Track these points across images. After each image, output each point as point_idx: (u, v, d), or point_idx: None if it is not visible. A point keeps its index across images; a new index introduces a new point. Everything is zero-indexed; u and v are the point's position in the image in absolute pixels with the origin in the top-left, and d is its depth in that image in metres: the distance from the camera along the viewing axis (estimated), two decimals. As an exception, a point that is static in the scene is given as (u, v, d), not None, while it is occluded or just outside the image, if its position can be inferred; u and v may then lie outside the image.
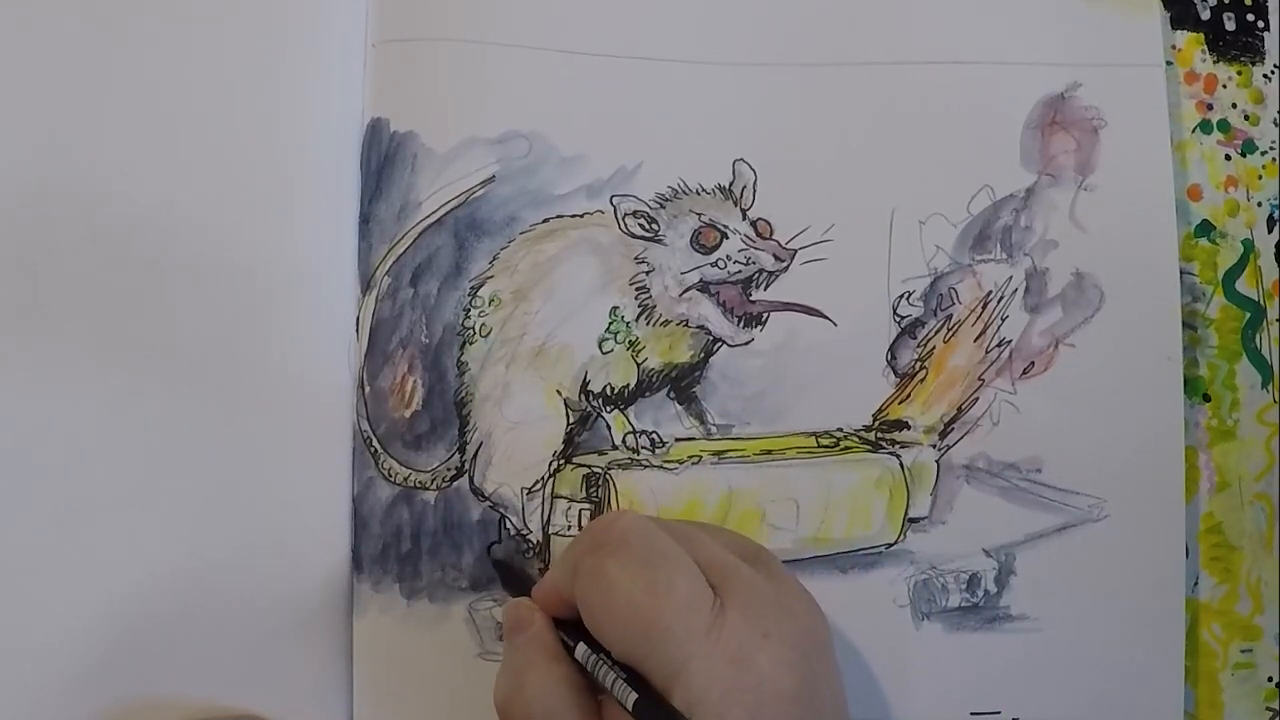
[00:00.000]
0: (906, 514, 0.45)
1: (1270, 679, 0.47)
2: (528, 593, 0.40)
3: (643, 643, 0.35)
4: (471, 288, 0.44)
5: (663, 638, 0.34)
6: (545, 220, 0.45)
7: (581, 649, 0.37)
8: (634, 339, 0.45)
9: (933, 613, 0.45)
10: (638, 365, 0.45)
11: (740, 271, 0.45)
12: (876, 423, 0.45)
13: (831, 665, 0.38)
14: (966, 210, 0.46)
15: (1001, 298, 0.46)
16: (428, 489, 0.44)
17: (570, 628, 0.38)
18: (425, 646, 0.43)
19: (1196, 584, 0.47)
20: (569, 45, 0.45)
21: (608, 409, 0.45)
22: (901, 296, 0.46)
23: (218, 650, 0.43)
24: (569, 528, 0.44)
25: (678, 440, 0.45)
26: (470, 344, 0.44)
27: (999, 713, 0.45)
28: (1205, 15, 0.49)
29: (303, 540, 0.43)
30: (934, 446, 0.46)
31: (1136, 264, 0.46)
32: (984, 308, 0.46)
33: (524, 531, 0.44)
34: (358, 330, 0.44)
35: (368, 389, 0.44)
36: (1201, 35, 0.49)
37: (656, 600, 0.35)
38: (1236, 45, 0.49)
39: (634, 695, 0.34)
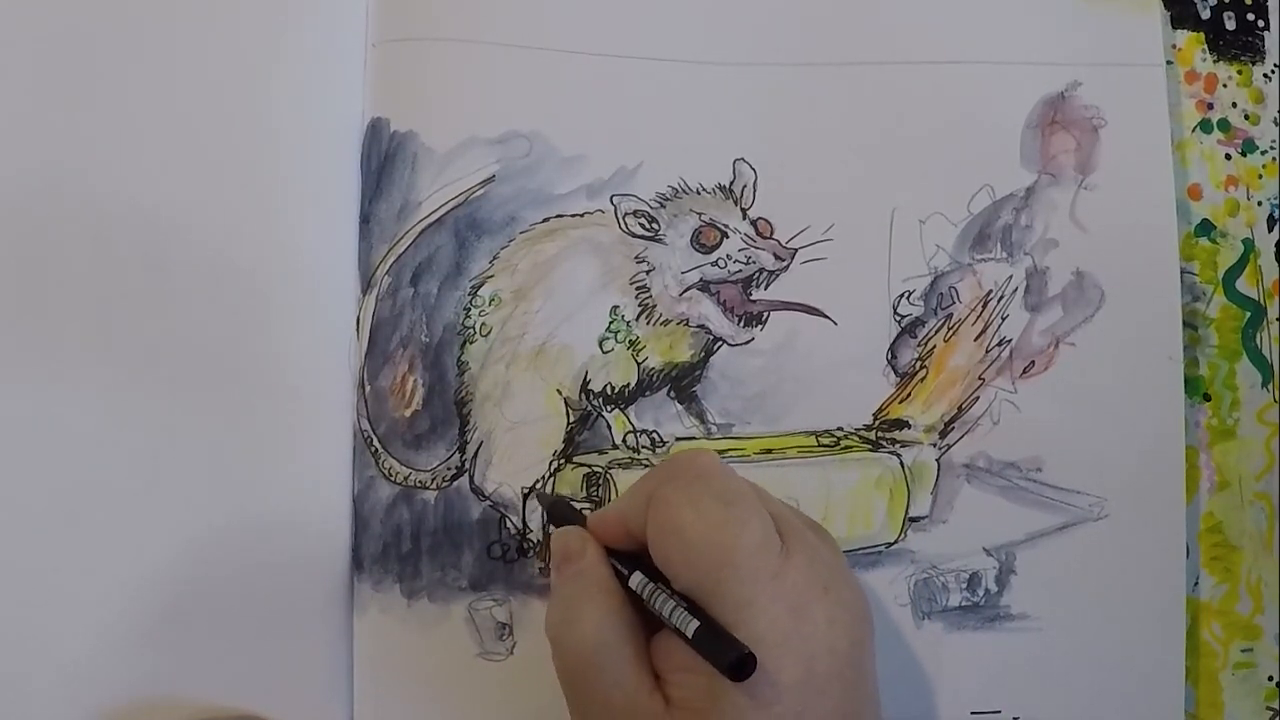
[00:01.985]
0: (907, 513, 0.45)
1: (1270, 678, 0.47)
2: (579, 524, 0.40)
3: (711, 577, 0.35)
4: (472, 287, 0.44)
5: (734, 573, 0.35)
6: (545, 220, 0.45)
7: (638, 577, 0.36)
8: (634, 338, 0.45)
9: (933, 612, 0.45)
10: (638, 364, 0.45)
11: (740, 271, 0.45)
12: (877, 422, 0.45)
13: (873, 642, 0.38)
14: (967, 209, 0.46)
15: (1002, 297, 0.46)
16: (428, 488, 0.44)
17: (624, 558, 0.37)
18: (425, 646, 0.43)
19: (1197, 583, 0.47)
20: (569, 45, 0.45)
21: (608, 408, 0.45)
22: (902, 296, 0.46)
23: (218, 650, 0.42)
24: (569, 527, 0.44)
25: (678, 440, 0.45)
26: (470, 343, 0.44)
27: (999, 712, 0.45)
28: (1205, 15, 0.49)
29: (303, 540, 0.43)
30: (934, 446, 0.46)
31: (1137, 263, 0.46)
32: (984, 307, 0.46)
33: (524, 531, 0.44)
34: (358, 330, 0.44)
35: (368, 388, 0.44)
36: (1202, 35, 0.49)
37: (730, 535, 0.35)
38: (1237, 45, 0.49)
39: (695, 623, 0.34)
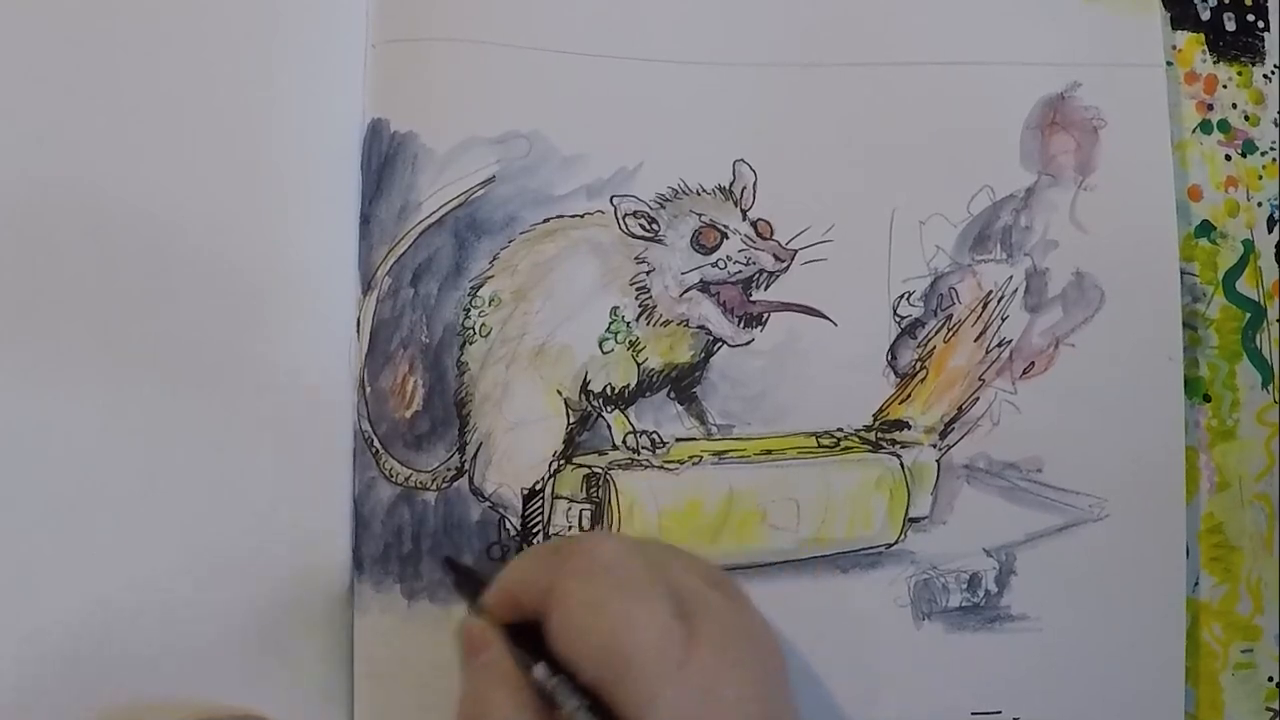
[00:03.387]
0: (907, 514, 0.45)
1: (1270, 679, 0.47)
2: (479, 593, 0.39)
3: (612, 676, 0.35)
4: (472, 288, 0.44)
5: (638, 672, 0.34)
6: (545, 220, 0.45)
7: (541, 670, 0.36)
8: (634, 339, 0.45)
9: (933, 613, 0.45)
10: (638, 365, 0.45)
11: (740, 272, 0.45)
12: (877, 423, 0.45)
13: (788, 690, 0.38)
14: (966, 210, 0.46)
15: (1002, 298, 0.46)
16: (428, 489, 0.44)
17: (529, 640, 0.37)
18: (426, 647, 0.43)
19: (1197, 584, 0.47)
20: (569, 46, 0.45)
21: (608, 409, 0.45)
22: (902, 296, 0.46)
23: (218, 650, 0.42)
24: (569, 528, 0.44)
25: (678, 440, 0.45)
26: (470, 344, 0.44)
27: (999, 713, 0.45)
28: (1205, 15, 0.49)
29: (303, 540, 0.43)
30: (934, 446, 0.46)
31: (1137, 264, 0.46)
32: (984, 308, 0.46)
33: (524, 533, 0.44)
34: (358, 330, 0.44)
35: (368, 389, 0.44)
36: (1202, 35, 0.49)
37: (631, 635, 0.35)
38: (1237, 45, 0.49)
39: None
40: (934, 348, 0.46)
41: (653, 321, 0.45)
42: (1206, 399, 0.47)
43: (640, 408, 0.45)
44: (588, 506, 0.44)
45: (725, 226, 0.45)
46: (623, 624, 0.35)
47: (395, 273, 0.44)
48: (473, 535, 0.44)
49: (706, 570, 0.40)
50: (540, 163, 0.45)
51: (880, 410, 0.46)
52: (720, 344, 0.45)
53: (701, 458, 0.45)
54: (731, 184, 0.46)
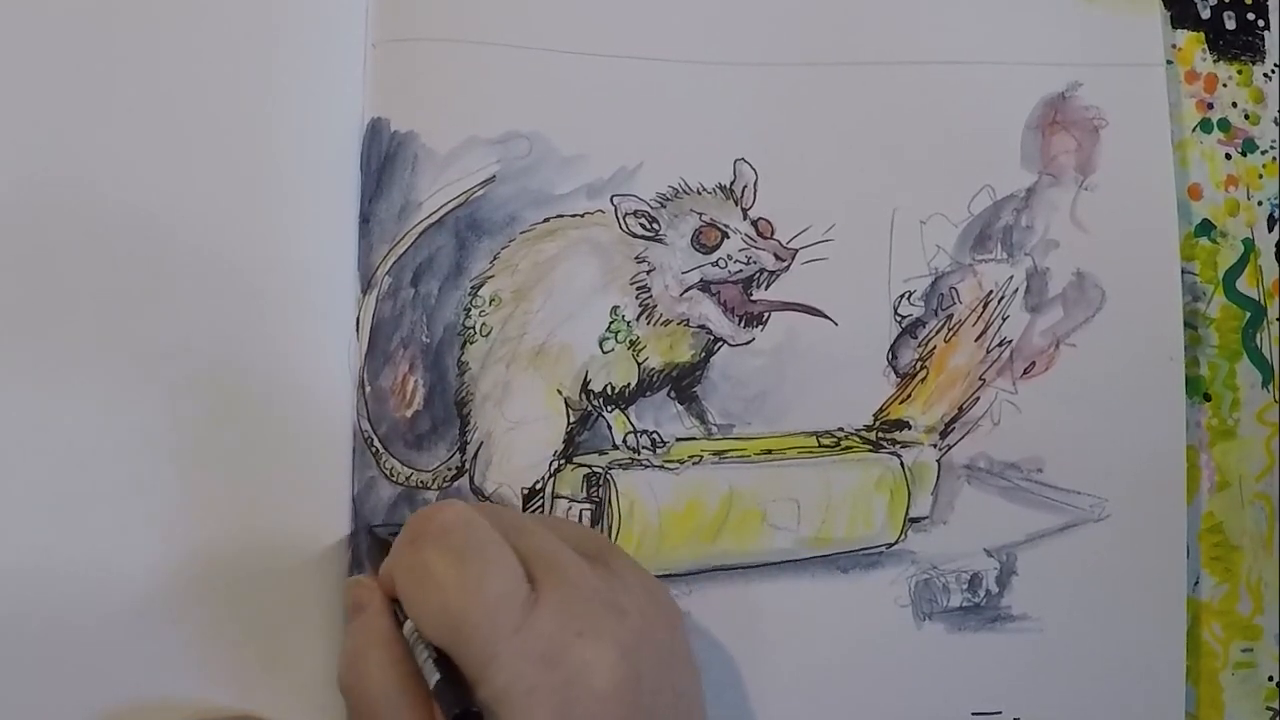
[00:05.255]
0: (907, 514, 0.45)
1: (1271, 678, 0.47)
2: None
3: (451, 637, 0.35)
4: (472, 287, 0.44)
5: (471, 633, 0.34)
6: (546, 220, 0.45)
7: (408, 627, 0.37)
8: (635, 338, 0.45)
9: (934, 613, 0.45)
10: (638, 365, 0.45)
11: (741, 271, 0.45)
12: (877, 422, 0.45)
13: (671, 667, 0.38)
14: (967, 210, 0.46)
15: (1002, 297, 0.46)
16: (429, 489, 0.44)
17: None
18: (426, 647, 0.43)
19: (1197, 583, 0.47)
20: (570, 45, 0.45)
21: (608, 408, 0.45)
22: (902, 296, 0.46)
23: (218, 650, 0.42)
24: (570, 528, 0.44)
25: (678, 440, 0.45)
26: (471, 343, 0.44)
27: (1000, 713, 0.45)
28: (1205, 14, 0.49)
29: (303, 540, 0.43)
30: (935, 446, 0.46)
31: (1137, 263, 0.47)
32: (985, 307, 0.46)
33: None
34: (358, 330, 0.44)
35: (368, 389, 0.44)
36: (1202, 34, 0.49)
37: (466, 595, 0.35)
38: (1237, 44, 0.49)
39: (436, 676, 0.35)
40: (934, 347, 0.46)
41: (653, 321, 0.45)
42: (1207, 398, 0.47)
43: (640, 407, 0.45)
44: (588, 506, 0.44)
45: (726, 226, 0.45)
46: (456, 586, 0.35)
47: (395, 272, 0.44)
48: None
49: (582, 537, 0.40)
50: (540, 162, 0.45)
51: (881, 410, 0.46)
52: (721, 343, 0.45)
53: (702, 457, 0.45)
54: (732, 183, 0.46)
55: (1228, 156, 0.49)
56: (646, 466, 0.44)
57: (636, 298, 0.45)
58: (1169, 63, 0.48)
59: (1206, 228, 0.48)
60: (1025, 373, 0.46)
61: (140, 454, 0.43)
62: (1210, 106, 0.49)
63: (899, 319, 0.46)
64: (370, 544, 0.43)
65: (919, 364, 0.46)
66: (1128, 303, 0.46)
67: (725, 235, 0.45)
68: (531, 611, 0.35)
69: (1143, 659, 0.45)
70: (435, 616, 0.35)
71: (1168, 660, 0.45)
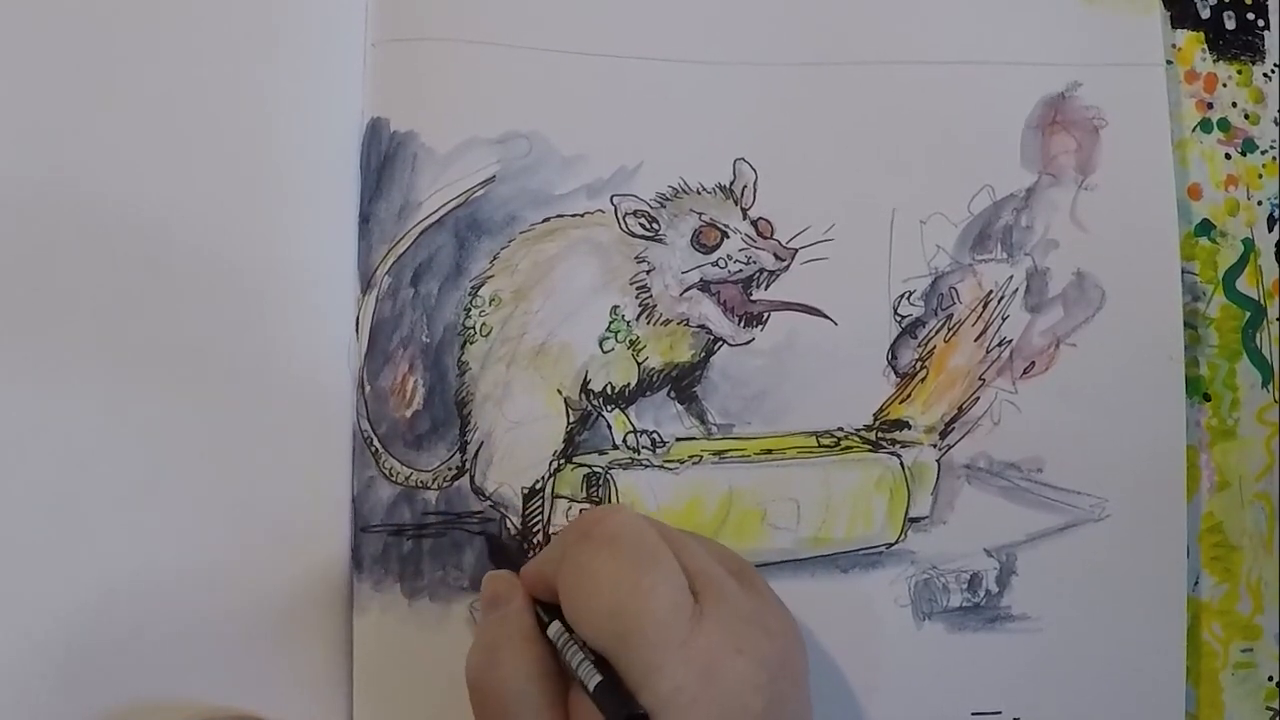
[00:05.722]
0: (907, 514, 0.45)
1: (1271, 678, 0.47)
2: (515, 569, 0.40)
3: (619, 642, 0.35)
4: (472, 287, 0.44)
5: (639, 640, 0.35)
6: (546, 220, 0.45)
7: (555, 627, 0.37)
8: (635, 338, 0.45)
9: (934, 613, 0.45)
10: (638, 364, 0.45)
11: (741, 271, 0.45)
12: (877, 422, 0.45)
13: (801, 690, 0.38)
14: (967, 210, 0.46)
15: (1002, 297, 0.46)
16: (429, 489, 0.44)
17: (549, 607, 0.38)
18: (426, 646, 0.43)
19: (1197, 583, 0.47)
20: (570, 45, 0.45)
21: (608, 408, 0.45)
22: (902, 296, 0.46)
23: (218, 650, 0.42)
24: (569, 528, 0.44)
25: (678, 440, 0.45)
26: (471, 343, 0.44)
27: (1000, 713, 0.45)
28: (1205, 14, 0.49)
29: (303, 540, 0.43)
30: (935, 446, 0.46)
31: (1137, 263, 0.46)
32: (985, 307, 0.46)
33: (525, 531, 0.44)
34: (358, 330, 0.44)
35: (368, 389, 0.44)
36: (1202, 34, 0.49)
37: (638, 602, 0.35)
38: (1237, 44, 0.49)
39: (598, 678, 0.35)
40: (934, 347, 0.46)
41: (653, 321, 0.45)
42: (1206, 398, 0.47)
43: (640, 407, 0.45)
44: (588, 506, 0.44)
45: (726, 225, 0.45)
46: (631, 591, 0.35)
47: (395, 272, 0.44)
48: (474, 535, 0.44)
49: (727, 557, 0.40)
50: (540, 162, 0.45)
51: (880, 410, 0.46)
52: (720, 343, 0.45)
53: (701, 457, 0.45)
54: (732, 183, 0.46)
55: (1227, 156, 0.49)
56: (646, 466, 0.44)
57: (636, 297, 0.45)
58: (1169, 63, 0.48)
59: (1206, 227, 0.48)
60: (1025, 373, 0.46)
61: (140, 454, 0.43)
62: (1210, 106, 0.49)
63: (899, 319, 0.46)
64: (491, 546, 0.43)
65: (919, 364, 0.46)
66: (1128, 303, 0.46)
67: (725, 235, 0.45)
68: (697, 625, 0.35)
69: (1143, 659, 0.45)
70: (603, 619, 0.35)
71: (1168, 660, 0.45)
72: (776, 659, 0.37)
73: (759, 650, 0.36)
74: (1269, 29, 0.49)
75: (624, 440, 0.45)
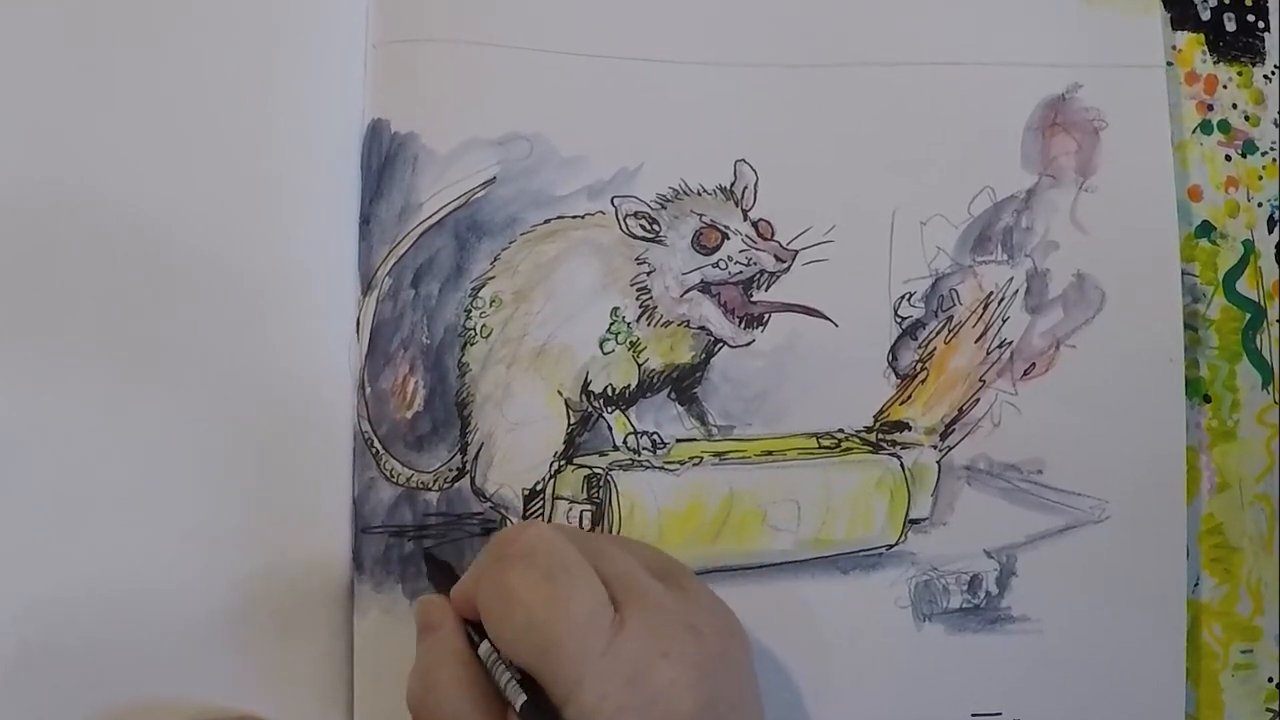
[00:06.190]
0: (907, 515, 0.45)
1: (1271, 679, 0.47)
2: (450, 587, 0.40)
3: (539, 657, 0.35)
4: (472, 289, 0.44)
5: (558, 653, 0.35)
6: (546, 221, 0.45)
7: (485, 648, 0.37)
8: (635, 339, 0.45)
9: (934, 614, 0.45)
10: (639, 366, 0.45)
11: (741, 272, 0.45)
12: (877, 424, 0.46)
13: (743, 688, 0.38)
14: (967, 211, 0.46)
15: (1002, 299, 0.46)
16: (429, 490, 0.44)
17: (480, 628, 0.38)
18: (426, 648, 0.43)
19: (1197, 585, 0.47)
20: (570, 47, 0.45)
21: (609, 410, 0.45)
22: (902, 297, 0.46)
23: (219, 650, 0.42)
24: (570, 529, 0.44)
25: (679, 441, 0.45)
26: (471, 345, 0.44)
27: (1000, 714, 0.45)
28: (1206, 16, 0.49)
29: (303, 541, 0.43)
30: (935, 448, 0.46)
31: (1137, 265, 0.47)
32: (985, 309, 0.46)
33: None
34: (358, 331, 0.44)
35: (368, 390, 0.44)
36: (1202, 36, 0.49)
37: (554, 616, 0.35)
38: (1237, 46, 0.49)
39: (522, 697, 0.35)
40: (935, 349, 0.46)
41: (653, 322, 0.45)
42: (1207, 399, 0.47)
43: (641, 408, 0.45)
44: (588, 507, 0.44)
45: (726, 227, 0.45)
46: (543, 605, 0.35)
47: (396, 273, 0.44)
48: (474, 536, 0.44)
49: (656, 560, 0.40)
50: (541, 164, 0.45)
51: (881, 411, 0.46)
52: (721, 345, 0.45)
53: (702, 458, 0.45)
54: (732, 184, 0.46)
55: (1228, 158, 0.49)
56: (647, 468, 0.44)
57: (637, 299, 0.45)
58: (1169, 64, 0.48)
59: (1206, 229, 0.48)
60: (1025, 374, 0.46)
61: (139, 454, 0.43)
62: (1210, 108, 0.49)
63: (899, 320, 0.46)
64: (431, 567, 0.43)
65: (919, 365, 0.46)
66: (1128, 304, 0.46)
67: (725, 236, 0.45)
68: (618, 633, 0.35)
69: (1143, 660, 0.45)
70: (521, 636, 0.35)
71: (1168, 661, 0.45)
72: (709, 659, 0.36)
73: (686, 651, 0.36)
74: (1269, 31, 0.49)
75: (624, 442, 0.45)
